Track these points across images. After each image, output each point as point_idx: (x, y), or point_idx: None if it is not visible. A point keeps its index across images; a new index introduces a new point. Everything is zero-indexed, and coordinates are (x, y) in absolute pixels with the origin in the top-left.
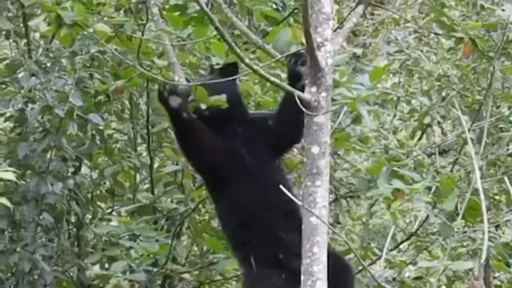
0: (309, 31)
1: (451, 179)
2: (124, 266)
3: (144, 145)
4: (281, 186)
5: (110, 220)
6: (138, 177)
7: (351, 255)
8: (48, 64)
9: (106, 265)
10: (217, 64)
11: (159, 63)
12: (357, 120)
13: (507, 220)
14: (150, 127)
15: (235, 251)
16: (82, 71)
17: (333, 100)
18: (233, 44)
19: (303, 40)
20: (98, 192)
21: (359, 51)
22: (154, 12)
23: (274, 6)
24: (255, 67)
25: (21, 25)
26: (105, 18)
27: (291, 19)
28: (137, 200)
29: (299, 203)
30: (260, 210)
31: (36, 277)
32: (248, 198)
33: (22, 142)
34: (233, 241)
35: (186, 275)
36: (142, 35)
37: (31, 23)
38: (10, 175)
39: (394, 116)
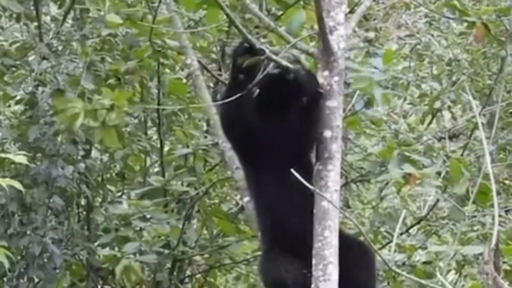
0: (321, 15)
1: (463, 162)
2: (136, 247)
3: (155, 128)
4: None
5: (120, 203)
6: (148, 160)
7: (361, 239)
8: (59, 47)
9: (117, 248)
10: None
11: (170, 43)
12: (369, 103)
13: None
14: (160, 110)
15: (263, 245)
16: (93, 54)
17: (346, 84)
18: (243, 29)
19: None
20: (108, 175)
21: (371, 34)
22: None
23: None
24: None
25: (32, 8)
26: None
27: (302, 3)
28: (148, 183)
29: (311, 187)
30: (294, 215)
31: (46, 260)
32: (282, 197)
33: (32, 125)
34: (264, 236)
35: (197, 257)
36: (155, 17)
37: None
38: (22, 159)
39: (404, 100)
